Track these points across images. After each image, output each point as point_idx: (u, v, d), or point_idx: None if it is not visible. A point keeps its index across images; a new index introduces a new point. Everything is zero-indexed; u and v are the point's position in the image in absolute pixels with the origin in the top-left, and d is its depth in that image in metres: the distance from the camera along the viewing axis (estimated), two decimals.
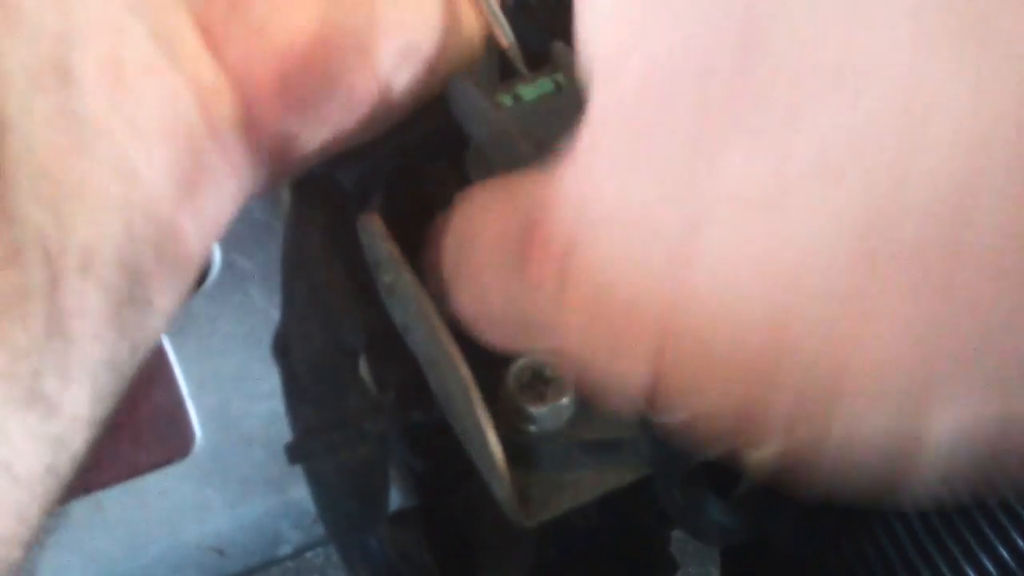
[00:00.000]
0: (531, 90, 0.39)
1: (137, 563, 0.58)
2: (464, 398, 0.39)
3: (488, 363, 0.41)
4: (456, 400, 0.40)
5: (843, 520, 0.61)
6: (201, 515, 0.58)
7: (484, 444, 0.40)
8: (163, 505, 0.58)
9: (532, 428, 0.42)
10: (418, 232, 0.38)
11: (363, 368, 0.45)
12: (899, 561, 0.58)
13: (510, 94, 0.39)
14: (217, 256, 0.58)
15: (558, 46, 0.40)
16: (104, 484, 0.58)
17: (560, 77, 0.39)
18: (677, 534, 0.67)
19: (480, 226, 0.31)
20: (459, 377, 0.38)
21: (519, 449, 0.42)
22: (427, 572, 0.44)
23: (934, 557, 0.57)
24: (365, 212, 0.40)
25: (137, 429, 0.61)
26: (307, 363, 0.41)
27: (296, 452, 0.41)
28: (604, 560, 0.69)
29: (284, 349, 0.41)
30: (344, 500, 0.42)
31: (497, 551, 0.59)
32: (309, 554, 0.60)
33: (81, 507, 0.58)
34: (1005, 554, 0.55)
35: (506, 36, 0.41)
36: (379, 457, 0.41)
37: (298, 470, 0.46)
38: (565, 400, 0.43)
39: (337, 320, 0.41)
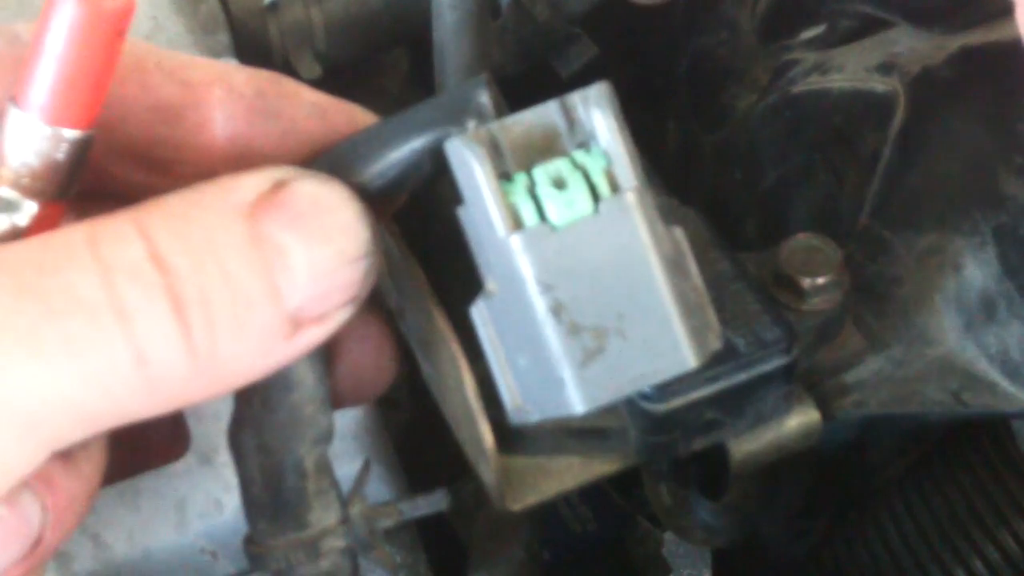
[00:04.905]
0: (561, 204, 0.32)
1: (130, 564, 0.58)
2: (456, 378, 0.39)
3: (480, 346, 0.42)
4: (448, 381, 0.40)
5: (836, 521, 0.61)
6: (194, 517, 0.58)
7: (473, 426, 0.40)
8: (156, 507, 0.58)
9: None
10: (416, 213, 0.38)
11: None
12: (890, 563, 0.58)
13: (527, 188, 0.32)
14: None
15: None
16: None
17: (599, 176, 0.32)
18: (669, 536, 0.67)
19: None
20: (452, 357, 0.39)
21: (507, 433, 0.42)
22: None
23: (925, 559, 0.57)
24: None
25: (131, 430, 0.61)
26: (261, 472, 0.39)
27: (256, 561, 0.40)
28: (597, 563, 0.69)
29: (238, 447, 0.39)
30: None
31: (490, 552, 0.59)
32: None
33: None
34: (994, 555, 0.55)
35: None
36: (343, 567, 0.40)
37: None
38: None
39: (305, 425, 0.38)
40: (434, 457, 0.63)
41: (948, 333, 0.50)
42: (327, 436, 0.39)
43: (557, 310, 0.32)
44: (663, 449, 0.46)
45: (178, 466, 0.58)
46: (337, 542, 0.39)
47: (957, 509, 0.57)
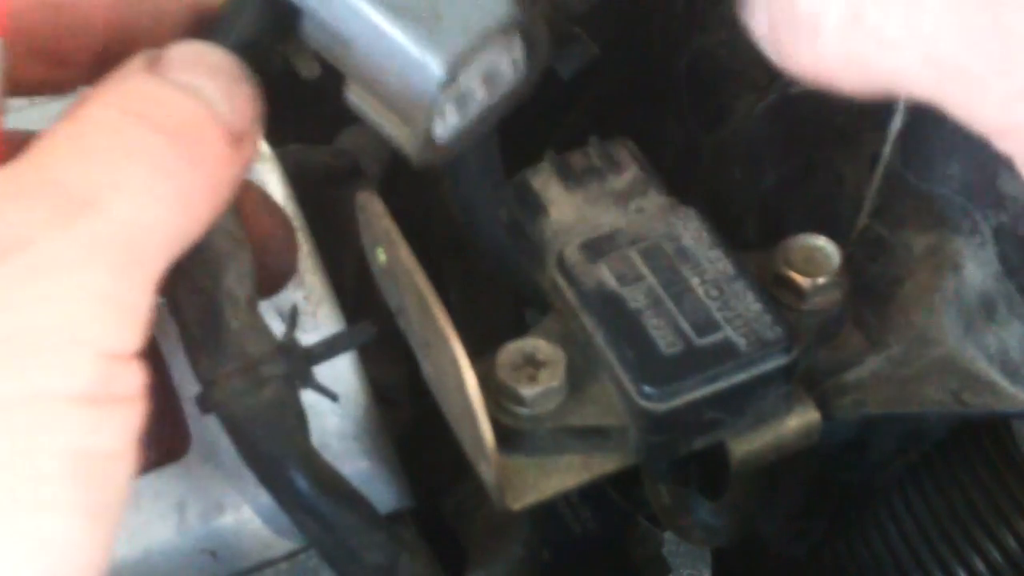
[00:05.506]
0: None
1: (130, 564, 0.58)
2: (456, 377, 0.39)
3: (480, 345, 0.42)
4: (448, 380, 0.40)
5: (836, 521, 0.61)
6: (194, 517, 0.58)
7: (474, 424, 0.40)
8: (157, 506, 0.58)
9: (522, 410, 0.42)
10: (415, 210, 0.38)
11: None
12: (891, 562, 0.58)
13: None
14: None
15: None
16: None
17: None
18: (669, 536, 0.67)
19: None
20: (452, 356, 0.39)
21: (508, 432, 0.42)
22: (352, 497, 0.45)
23: (925, 558, 0.57)
24: (362, 189, 0.40)
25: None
26: (197, 310, 0.41)
27: (204, 403, 0.42)
28: (597, 563, 0.69)
29: (174, 299, 0.42)
30: (259, 443, 0.42)
31: (490, 550, 0.59)
32: (302, 556, 0.60)
33: None
34: (996, 555, 0.55)
35: None
36: (286, 398, 0.42)
37: None
38: (556, 383, 0.43)
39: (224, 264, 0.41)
40: (434, 457, 0.63)
41: (948, 333, 0.50)
42: (251, 273, 0.41)
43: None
44: (663, 449, 0.46)
45: (178, 466, 0.58)
46: (275, 369, 0.41)
47: (958, 508, 0.57)
